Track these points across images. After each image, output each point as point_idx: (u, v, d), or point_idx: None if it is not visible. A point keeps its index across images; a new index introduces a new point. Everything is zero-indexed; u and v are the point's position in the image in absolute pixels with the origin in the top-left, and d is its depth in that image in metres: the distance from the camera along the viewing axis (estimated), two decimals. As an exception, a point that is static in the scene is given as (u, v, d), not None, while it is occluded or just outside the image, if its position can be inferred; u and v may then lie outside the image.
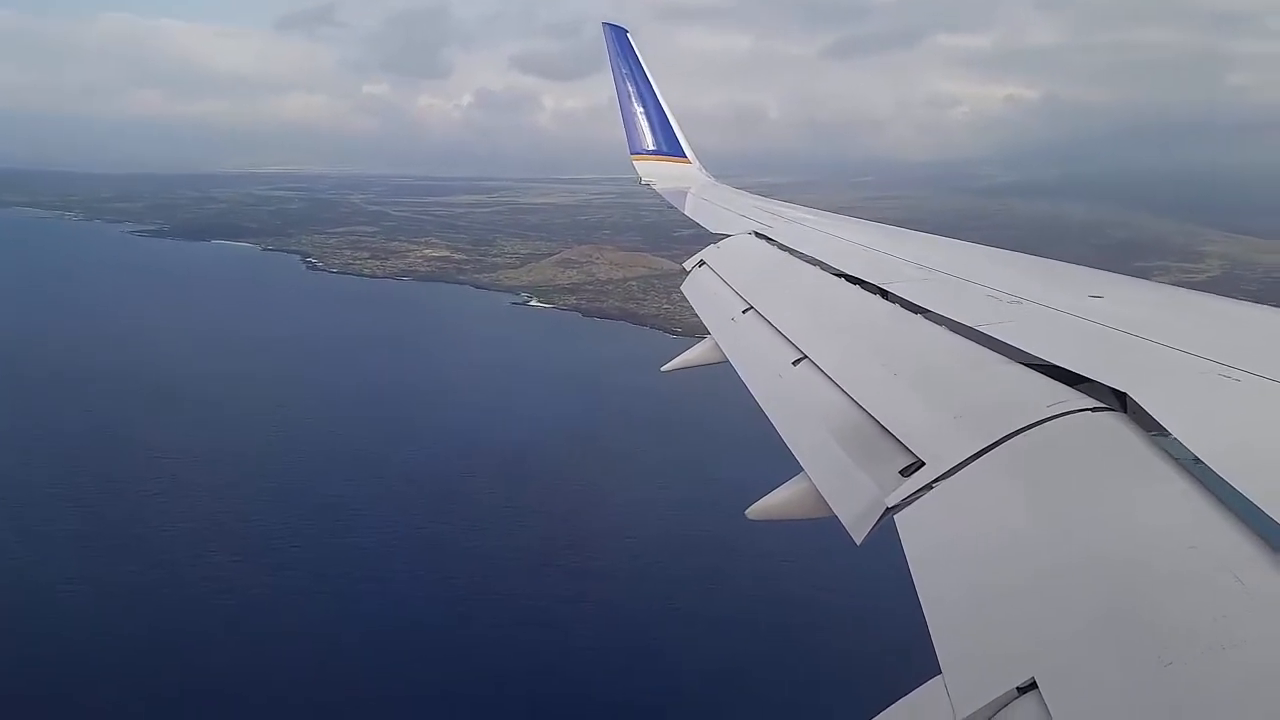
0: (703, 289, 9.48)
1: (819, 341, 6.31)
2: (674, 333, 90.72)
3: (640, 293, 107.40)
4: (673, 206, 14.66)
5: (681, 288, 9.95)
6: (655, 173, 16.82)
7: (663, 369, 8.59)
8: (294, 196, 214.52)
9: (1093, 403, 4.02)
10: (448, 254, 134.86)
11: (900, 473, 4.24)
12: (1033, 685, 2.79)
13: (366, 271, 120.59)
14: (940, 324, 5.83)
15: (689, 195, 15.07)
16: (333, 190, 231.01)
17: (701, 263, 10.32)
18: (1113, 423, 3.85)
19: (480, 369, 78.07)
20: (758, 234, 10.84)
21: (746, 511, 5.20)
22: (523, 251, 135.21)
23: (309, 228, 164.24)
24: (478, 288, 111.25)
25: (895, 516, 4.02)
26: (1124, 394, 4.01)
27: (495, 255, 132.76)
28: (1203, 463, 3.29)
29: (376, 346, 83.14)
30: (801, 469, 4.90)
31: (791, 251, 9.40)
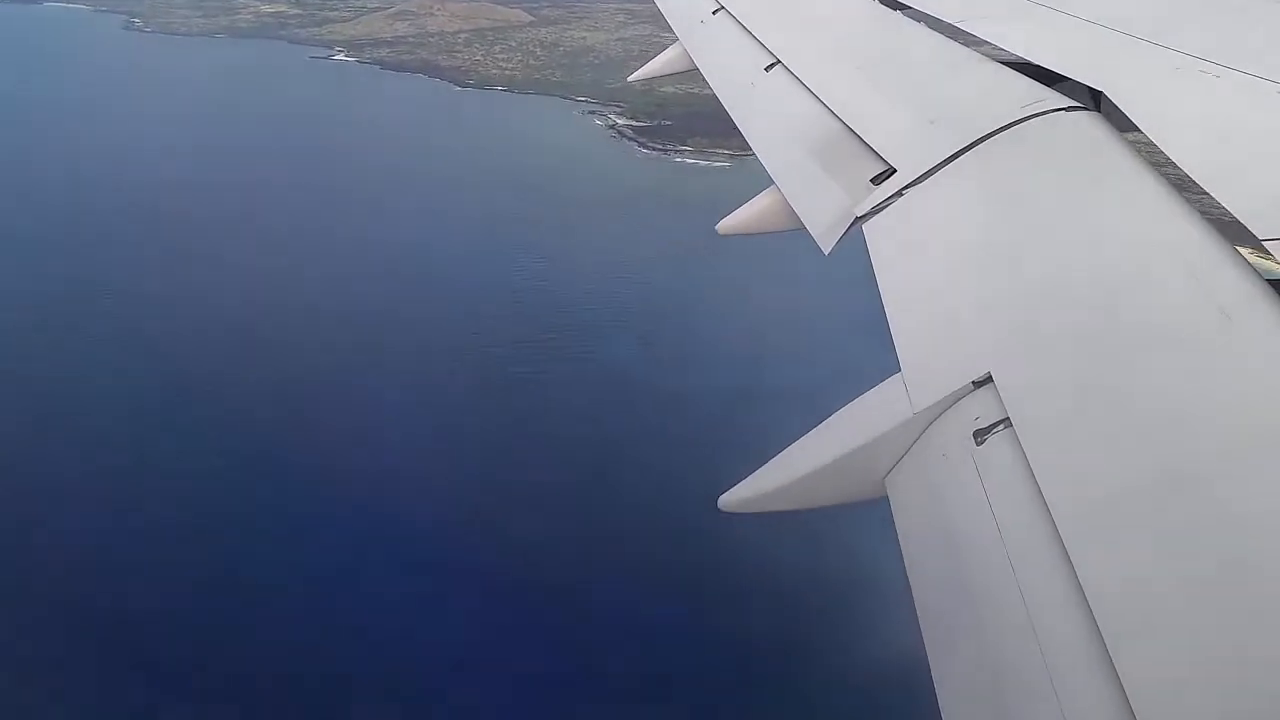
0: None
1: (793, 44, 5.96)
2: (464, 85, 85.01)
3: (462, 45, 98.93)
4: None
5: None
6: None
7: (630, 78, 8.17)
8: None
9: (1068, 102, 3.87)
10: (284, 9, 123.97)
11: (871, 181, 4.12)
12: (988, 379, 2.82)
13: (182, 30, 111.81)
14: (919, 20, 5.52)
15: None
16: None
17: None
18: (1086, 122, 3.72)
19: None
20: None
21: (717, 227, 5.10)
22: (371, 5, 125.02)
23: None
24: (292, 43, 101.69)
25: (863, 225, 3.91)
26: (1100, 92, 3.89)
27: (332, 9, 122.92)
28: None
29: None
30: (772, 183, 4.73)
31: None
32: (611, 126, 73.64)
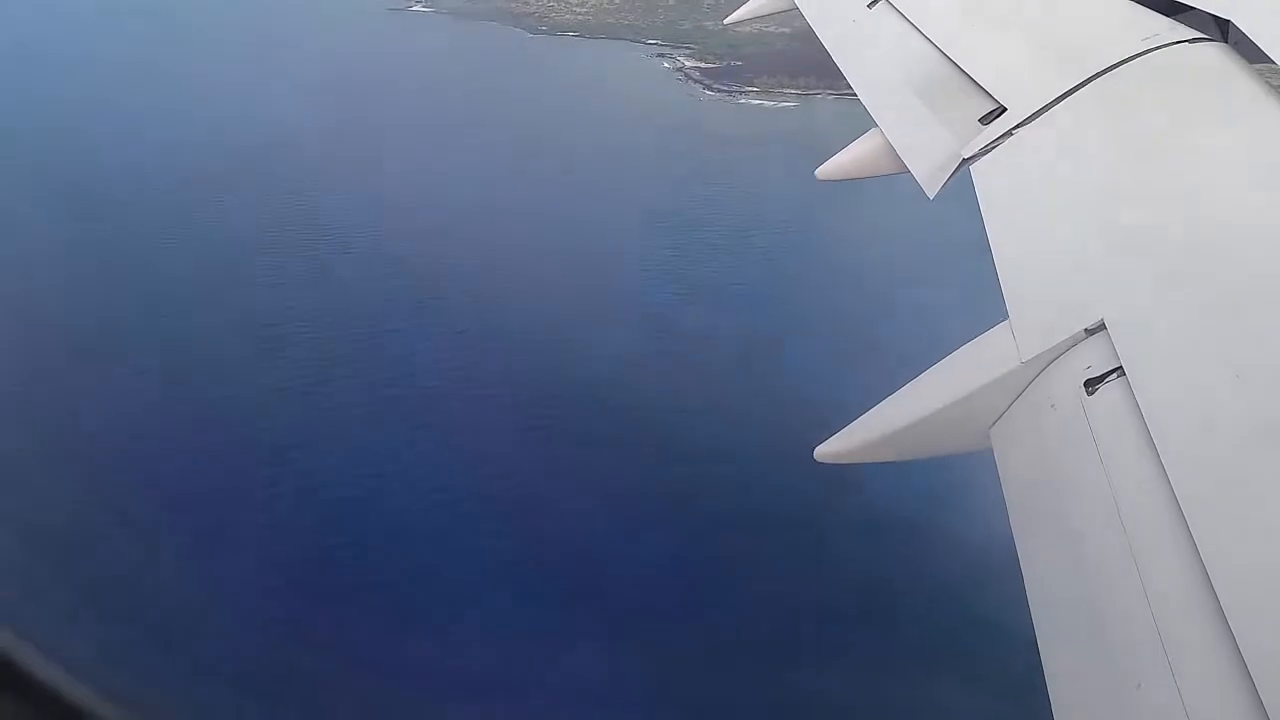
0: None
1: None
2: (536, 31, 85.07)
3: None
4: None
5: None
6: None
7: (726, 21, 7.87)
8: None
9: (1192, 33, 3.63)
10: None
11: (979, 120, 3.93)
12: (1101, 326, 2.67)
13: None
14: None
15: None
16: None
17: None
18: (1212, 54, 3.50)
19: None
20: None
21: (816, 172, 4.88)
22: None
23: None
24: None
25: (971, 167, 3.74)
26: (1227, 22, 3.63)
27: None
28: None
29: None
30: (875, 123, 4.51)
31: None
32: (679, 69, 73.04)
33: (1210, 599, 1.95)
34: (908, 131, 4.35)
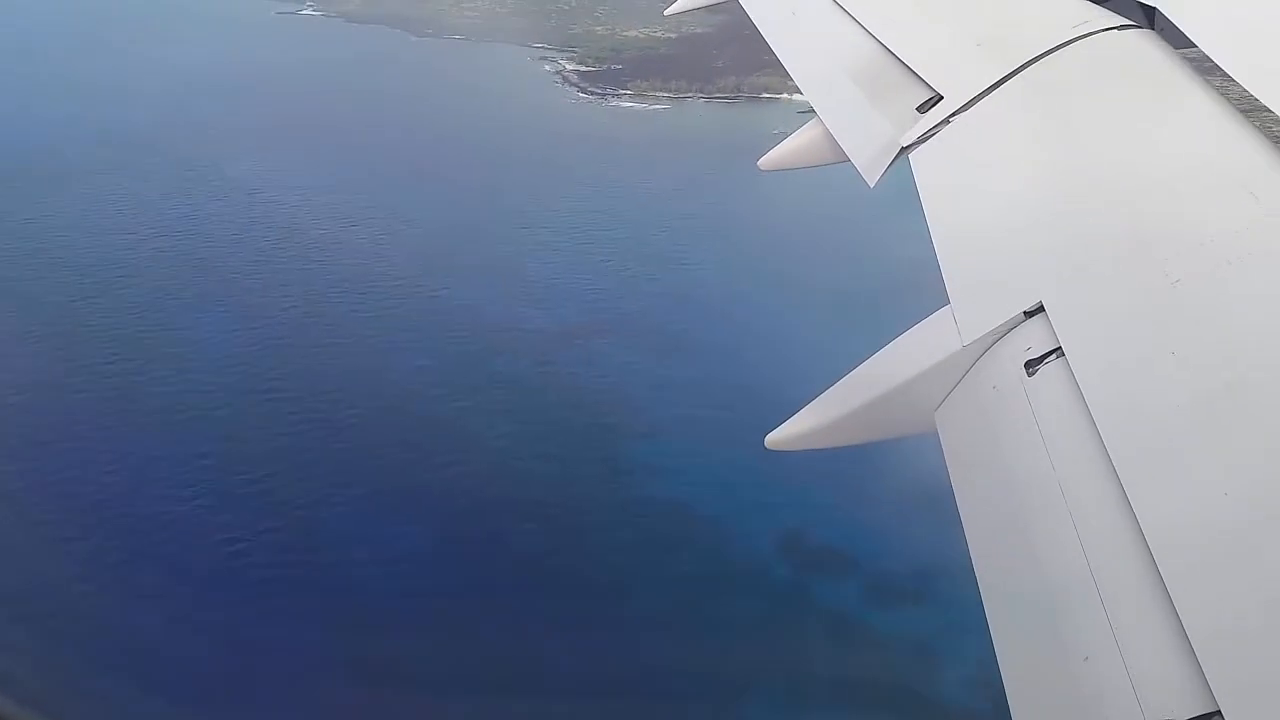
0: None
1: None
2: (422, 35, 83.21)
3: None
4: None
5: None
6: None
7: (666, 12, 7.97)
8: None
9: (1120, 20, 3.71)
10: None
11: (917, 109, 3.98)
12: (1040, 309, 2.73)
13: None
14: None
15: None
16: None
17: None
18: (1139, 41, 3.57)
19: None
20: None
21: (759, 163, 4.96)
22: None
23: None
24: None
25: (910, 155, 3.79)
26: (1153, 9, 3.72)
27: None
28: None
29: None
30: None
31: None
32: (559, 72, 71.88)
33: (1151, 571, 1.97)
34: (847, 121, 4.38)
